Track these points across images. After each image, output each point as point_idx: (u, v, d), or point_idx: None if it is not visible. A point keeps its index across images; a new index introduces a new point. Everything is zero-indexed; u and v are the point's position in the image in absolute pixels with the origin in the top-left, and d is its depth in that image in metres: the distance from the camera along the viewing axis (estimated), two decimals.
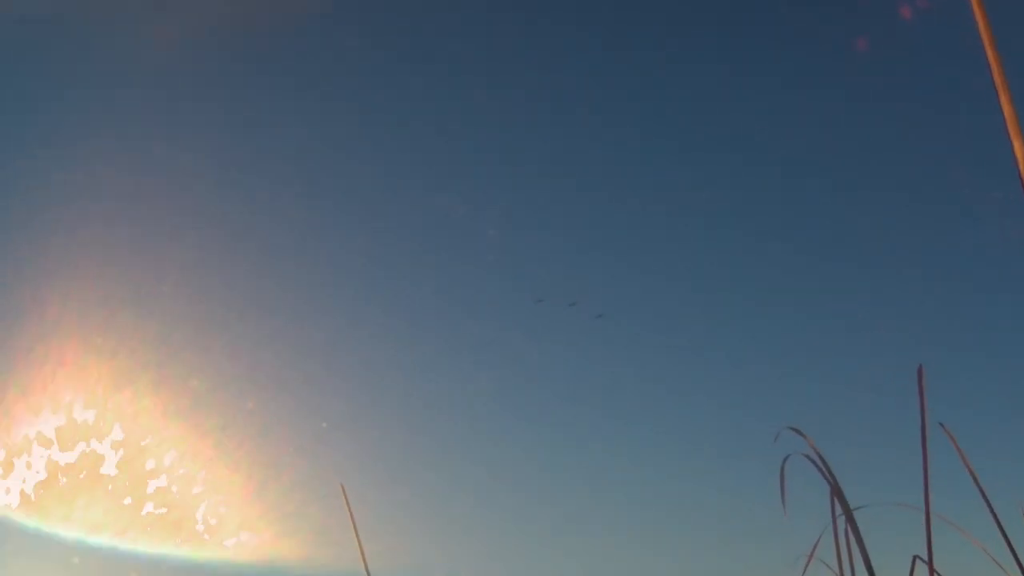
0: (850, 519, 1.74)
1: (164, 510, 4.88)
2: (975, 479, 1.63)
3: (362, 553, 1.95)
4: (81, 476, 4.78)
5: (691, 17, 5.56)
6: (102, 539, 4.83)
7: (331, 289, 5.81)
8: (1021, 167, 0.97)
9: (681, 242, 5.97)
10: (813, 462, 1.85)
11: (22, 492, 4.75)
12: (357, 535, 1.85)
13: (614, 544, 5.45)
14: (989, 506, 1.61)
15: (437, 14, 5.36)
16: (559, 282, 5.90)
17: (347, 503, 1.81)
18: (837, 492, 1.80)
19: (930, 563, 1.61)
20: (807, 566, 1.83)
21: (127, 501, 4.82)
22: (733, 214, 5.87)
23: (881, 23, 5.01)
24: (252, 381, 5.38)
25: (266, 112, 5.51)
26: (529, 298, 5.71)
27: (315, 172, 5.71)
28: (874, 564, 1.67)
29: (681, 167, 5.81)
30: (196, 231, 5.48)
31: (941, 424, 1.71)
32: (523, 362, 6.06)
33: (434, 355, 5.96)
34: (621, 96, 5.72)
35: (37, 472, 4.75)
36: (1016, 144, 0.96)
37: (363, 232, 5.74)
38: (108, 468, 4.82)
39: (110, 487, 4.80)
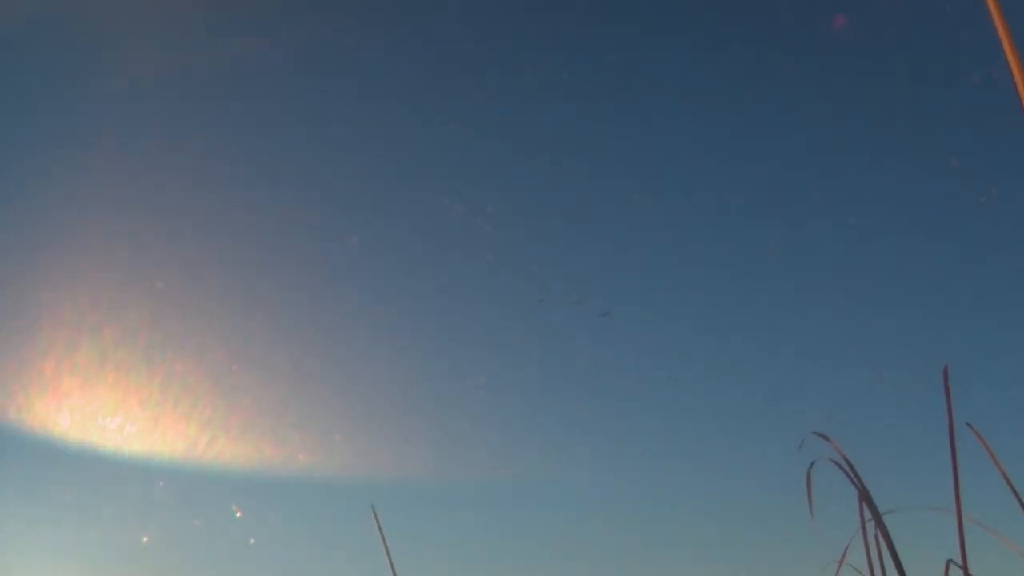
0: (880, 524, 1.72)
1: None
2: (1008, 480, 1.60)
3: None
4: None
5: (694, 15, 5.53)
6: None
7: (325, 285, 5.83)
8: None
9: (699, 240, 5.93)
10: (840, 467, 1.83)
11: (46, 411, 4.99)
12: (389, 556, 1.85)
13: (637, 551, 5.42)
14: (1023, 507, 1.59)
15: (440, 13, 5.36)
16: (576, 281, 5.88)
17: (380, 529, 1.81)
18: (865, 497, 1.78)
19: (965, 567, 1.58)
20: (838, 572, 1.82)
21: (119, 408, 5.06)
22: (753, 211, 5.82)
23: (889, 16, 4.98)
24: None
25: (267, 112, 5.53)
26: (535, 296, 5.70)
27: (318, 171, 5.72)
28: (906, 569, 1.65)
29: (703, 161, 5.75)
30: (192, 234, 5.53)
31: (969, 425, 1.69)
32: (540, 363, 6.05)
33: (441, 356, 5.96)
34: (626, 88, 5.69)
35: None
36: None
37: (364, 232, 5.75)
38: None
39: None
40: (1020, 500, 1.59)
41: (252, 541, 4.94)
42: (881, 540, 1.69)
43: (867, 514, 1.76)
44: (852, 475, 1.81)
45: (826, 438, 1.89)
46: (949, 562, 1.62)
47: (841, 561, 1.83)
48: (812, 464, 1.93)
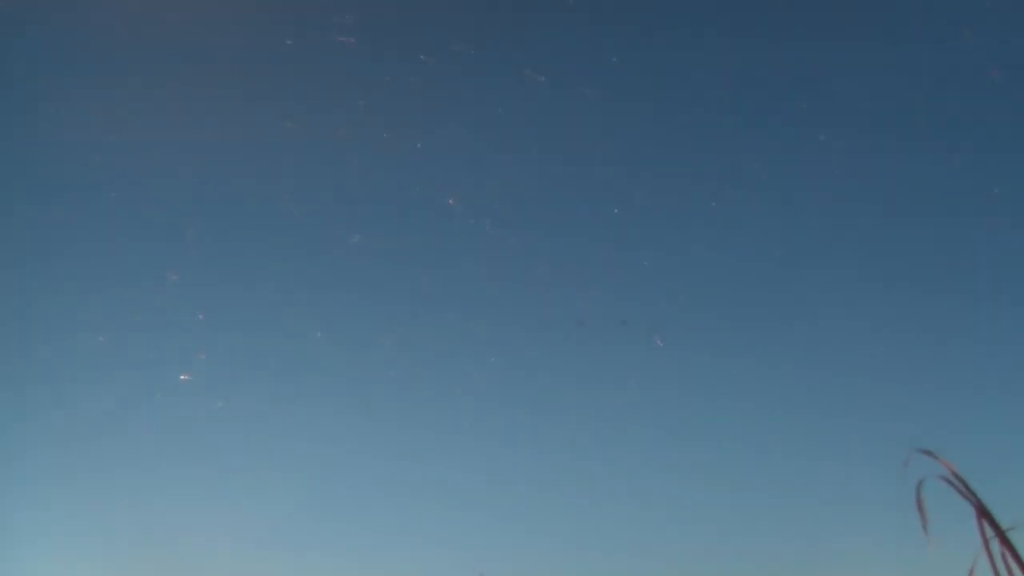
0: (1004, 541, 1.64)
1: None
2: None
3: None
4: None
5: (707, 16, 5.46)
6: None
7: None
8: None
9: (804, 252, 5.77)
10: (951, 483, 1.76)
11: None
12: None
13: None
14: None
15: (455, 14, 5.38)
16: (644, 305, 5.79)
17: None
18: (984, 513, 1.70)
19: None
20: None
21: None
22: (862, 225, 5.66)
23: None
24: None
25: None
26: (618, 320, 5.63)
27: (335, 175, 5.77)
28: None
29: (798, 171, 5.62)
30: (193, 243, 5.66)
31: None
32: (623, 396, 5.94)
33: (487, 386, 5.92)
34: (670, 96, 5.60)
35: None
36: None
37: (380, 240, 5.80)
38: None
39: None
40: None
41: None
42: (1009, 557, 1.61)
43: (988, 531, 1.68)
44: (966, 491, 1.73)
45: (932, 455, 1.83)
46: None
47: None
48: (921, 482, 1.86)
